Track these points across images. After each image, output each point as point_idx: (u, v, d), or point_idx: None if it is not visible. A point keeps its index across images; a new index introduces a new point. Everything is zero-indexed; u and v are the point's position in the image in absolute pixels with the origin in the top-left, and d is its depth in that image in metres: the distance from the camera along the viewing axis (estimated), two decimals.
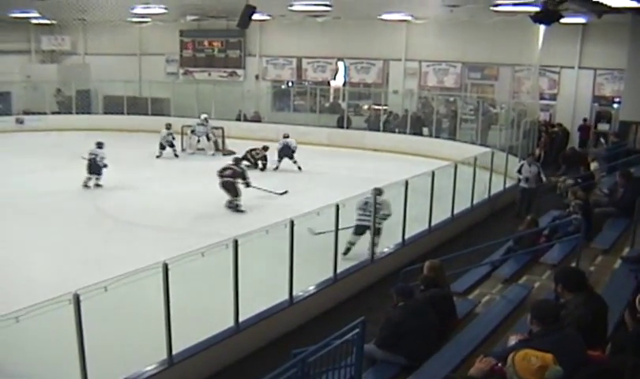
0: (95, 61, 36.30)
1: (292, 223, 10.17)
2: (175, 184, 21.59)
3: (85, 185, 20.42)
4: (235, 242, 9.13)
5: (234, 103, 32.13)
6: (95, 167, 20.57)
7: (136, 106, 33.79)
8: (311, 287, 11.18)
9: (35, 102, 34.29)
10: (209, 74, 35.12)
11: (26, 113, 33.28)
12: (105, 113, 34.36)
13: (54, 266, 13.61)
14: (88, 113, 33.87)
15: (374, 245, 12.95)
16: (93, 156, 20.60)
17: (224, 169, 18.47)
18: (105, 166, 20.60)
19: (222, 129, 27.80)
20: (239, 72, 34.65)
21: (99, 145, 21.05)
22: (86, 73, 35.98)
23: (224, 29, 33.97)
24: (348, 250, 13.36)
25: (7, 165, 23.41)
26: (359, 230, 13.45)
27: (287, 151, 24.29)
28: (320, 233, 12.35)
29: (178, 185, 21.32)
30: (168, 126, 26.51)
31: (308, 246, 12.03)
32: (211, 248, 8.91)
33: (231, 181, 18.13)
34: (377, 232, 13.14)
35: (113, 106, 34.23)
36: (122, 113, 33.54)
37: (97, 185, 20.61)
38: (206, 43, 35.24)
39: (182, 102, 32.93)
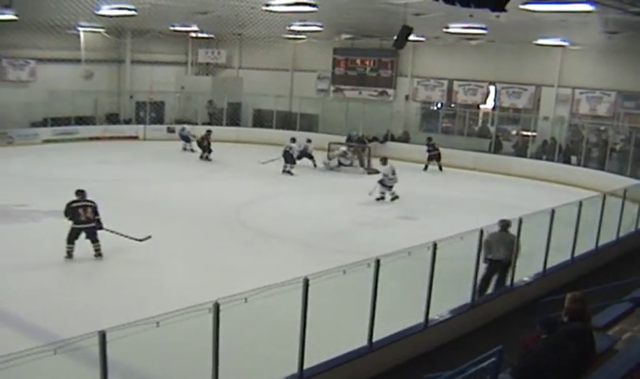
0: (248, 76, 37.45)
1: (435, 247, 10.17)
2: (314, 199, 22.11)
3: (284, 171, 25.42)
4: (377, 262, 9.22)
5: (382, 123, 32.25)
6: (289, 157, 25.52)
7: (285, 120, 34.56)
8: (447, 312, 11.12)
9: (187, 112, 35.74)
10: (360, 93, 35.40)
11: (178, 122, 34.52)
12: (254, 126, 35.41)
13: (194, 274, 14.01)
14: (237, 125, 34.99)
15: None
16: (288, 149, 25.56)
17: None
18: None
19: (369, 148, 28.05)
20: (390, 91, 34.76)
21: (293, 140, 26.36)
22: (238, 86, 37.09)
23: (377, 49, 34.14)
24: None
25: (156, 172, 24.71)
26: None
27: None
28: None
29: (317, 201, 21.81)
30: (293, 140, 27.39)
31: (447, 270, 11.99)
32: (353, 266, 9.00)
33: None
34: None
35: (262, 119, 35.19)
36: (271, 127, 34.38)
37: (289, 173, 25.29)
38: (358, 61, 35.55)
39: (330, 119, 33.47)
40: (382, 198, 21.61)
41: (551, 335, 7.58)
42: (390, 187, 21.69)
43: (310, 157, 27.34)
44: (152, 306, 7.45)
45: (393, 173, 21.68)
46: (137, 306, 10.51)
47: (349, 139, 29.86)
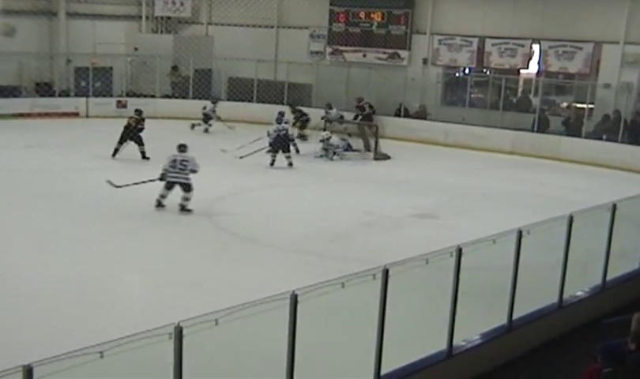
0: (220, 34, 37.49)
1: (460, 252, 10.17)
2: (306, 193, 22.27)
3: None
4: (386, 272, 9.22)
5: (393, 94, 32.27)
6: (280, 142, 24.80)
7: (269, 92, 34.46)
8: (477, 336, 11.13)
9: (142, 81, 35.71)
10: (364, 55, 35.32)
11: (130, 95, 34.57)
12: (229, 99, 35.10)
13: (152, 290, 14.05)
14: (207, 98, 33.97)
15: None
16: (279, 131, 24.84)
17: None
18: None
19: (376, 126, 28.06)
20: (403, 54, 34.62)
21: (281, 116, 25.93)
22: (208, 47, 37.18)
23: None
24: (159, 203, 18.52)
25: (102, 160, 24.42)
26: (170, 186, 18.52)
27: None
28: (119, 186, 18.25)
29: (310, 195, 21.96)
30: (214, 101, 28.84)
31: (475, 283, 11.99)
32: (354, 278, 8.99)
33: None
34: (187, 188, 18.53)
35: (240, 91, 35.09)
36: (251, 100, 34.40)
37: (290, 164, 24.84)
38: (363, 15, 35.40)
39: (327, 89, 33.41)
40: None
41: (617, 368, 7.51)
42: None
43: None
44: (96, 334, 7.42)
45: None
46: (79, 335, 10.51)
47: (326, 117, 29.98)
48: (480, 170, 24.52)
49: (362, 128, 28.31)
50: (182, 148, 18.87)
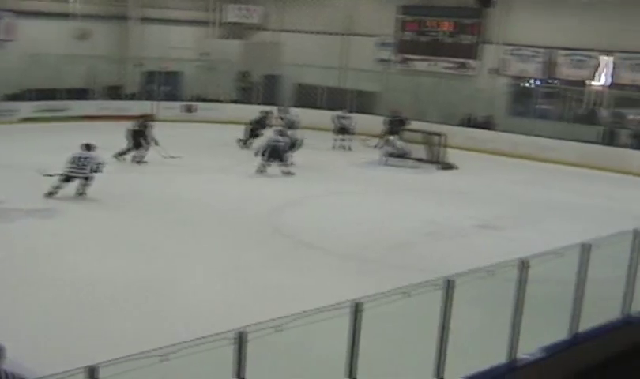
0: (289, 40, 37.59)
1: (524, 265, 10.04)
2: (369, 201, 22.17)
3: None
4: (448, 283, 9.15)
5: (461, 104, 32.12)
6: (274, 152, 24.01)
7: (336, 99, 34.24)
8: (538, 350, 10.98)
9: (211, 86, 35.92)
10: (433, 64, 35.29)
11: (198, 99, 34.83)
12: (296, 105, 34.89)
13: (216, 295, 13.97)
14: (274, 104, 34.01)
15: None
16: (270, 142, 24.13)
17: None
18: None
19: (443, 135, 27.88)
20: (472, 63, 34.58)
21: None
22: (277, 54, 37.33)
23: (457, 7, 34.12)
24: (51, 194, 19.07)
25: (171, 164, 24.57)
26: (66, 179, 19.27)
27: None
28: (49, 175, 18.83)
29: (373, 203, 21.86)
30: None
31: (540, 295, 11.84)
32: (418, 287, 8.91)
33: None
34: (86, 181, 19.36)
35: (306, 97, 35.23)
36: (318, 107, 34.38)
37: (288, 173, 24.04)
38: (432, 23, 35.43)
39: (394, 98, 33.34)
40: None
41: None
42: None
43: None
44: (161, 340, 7.44)
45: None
46: (145, 338, 10.59)
47: (340, 127, 29.90)
48: (546, 181, 24.21)
49: (428, 137, 28.14)
50: (86, 147, 19.80)
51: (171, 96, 35.06)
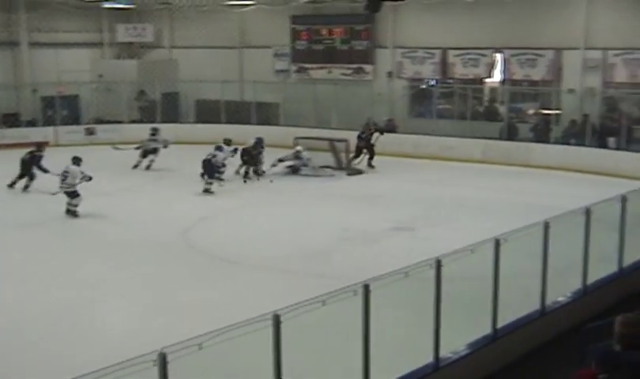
0: (184, 57, 37.46)
1: (439, 264, 10.13)
2: (282, 212, 22.19)
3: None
4: (366, 288, 9.16)
5: (361, 109, 32.23)
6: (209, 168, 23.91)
7: (236, 113, 34.45)
8: (463, 347, 11.07)
9: (109, 107, 35.45)
10: (329, 72, 35.49)
11: (98, 121, 34.36)
12: (197, 121, 35.22)
13: (135, 313, 14.03)
14: (175, 121, 34.37)
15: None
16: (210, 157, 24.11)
17: None
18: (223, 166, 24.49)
19: (347, 141, 27.97)
20: (367, 68, 34.84)
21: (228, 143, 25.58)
22: (173, 71, 37.20)
23: (348, 13, 34.33)
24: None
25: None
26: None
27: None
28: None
29: (286, 214, 21.91)
30: (154, 132, 27.63)
31: (457, 293, 11.96)
32: (334, 295, 8.91)
33: None
34: (70, 195, 20.26)
35: (207, 113, 35.05)
36: (219, 121, 34.18)
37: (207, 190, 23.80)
38: (325, 31, 35.63)
39: (295, 108, 33.48)
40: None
41: (612, 373, 7.36)
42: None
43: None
44: (81, 362, 7.31)
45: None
46: (59, 367, 10.47)
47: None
48: (452, 180, 24.51)
49: (333, 144, 28.19)
50: (73, 160, 20.95)
51: (72, 120, 34.54)
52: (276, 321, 8.13)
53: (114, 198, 23.18)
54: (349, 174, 26.62)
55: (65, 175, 20.43)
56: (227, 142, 26.06)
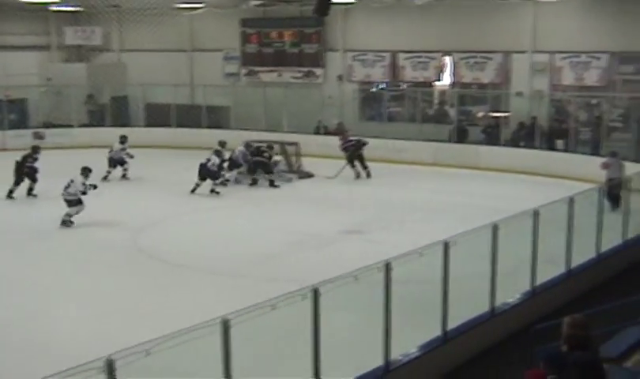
0: (133, 60, 37.20)
1: (388, 267, 10.14)
2: (233, 216, 22.13)
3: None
4: (315, 292, 9.15)
5: (311, 112, 32.29)
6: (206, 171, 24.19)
7: (187, 116, 34.22)
8: (414, 350, 11.10)
9: (58, 111, 35.08)
10: (279, 75, 35.47)
11: (47, 125, 33.95)
12: (148, 125, 34.79)
13: (82, 324, 13.79)
14: (125, 125, 33.66)
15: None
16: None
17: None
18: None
19: (297, 144, 27.96)
20: (318, 71, 34.87)
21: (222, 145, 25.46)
22: (122, 74, 36.90)
23: (297, 17, 34.35)
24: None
25: (25, 191, 23.87)
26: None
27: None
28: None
29: (238, 218, 21.85)
30: (123, 140, 26.93)
31: (407, 296, 12.00)
32: (283, 299, 8.89)
33: None
34: (69, 204, 20.03)
35: (157, 116, 34.71)
36: (169, 125, 34.05)
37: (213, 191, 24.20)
38: (274, 34, 35.60)
39: (245, 111, 33.37)
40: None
41: (560, 374, 7.45)
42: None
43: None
44: (29, 371, 7.22)
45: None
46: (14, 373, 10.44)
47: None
48: (403, 183, 24.58)
49: (284, 147, 28.11)
50: (82, 170, 20.84)
51: (19, 124, 34.06)
52: (226, 326, 8.11)
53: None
54: (300, 178, 26.58)
55: (69, 184, 20.43)
56: (222, 144, 25.95)
